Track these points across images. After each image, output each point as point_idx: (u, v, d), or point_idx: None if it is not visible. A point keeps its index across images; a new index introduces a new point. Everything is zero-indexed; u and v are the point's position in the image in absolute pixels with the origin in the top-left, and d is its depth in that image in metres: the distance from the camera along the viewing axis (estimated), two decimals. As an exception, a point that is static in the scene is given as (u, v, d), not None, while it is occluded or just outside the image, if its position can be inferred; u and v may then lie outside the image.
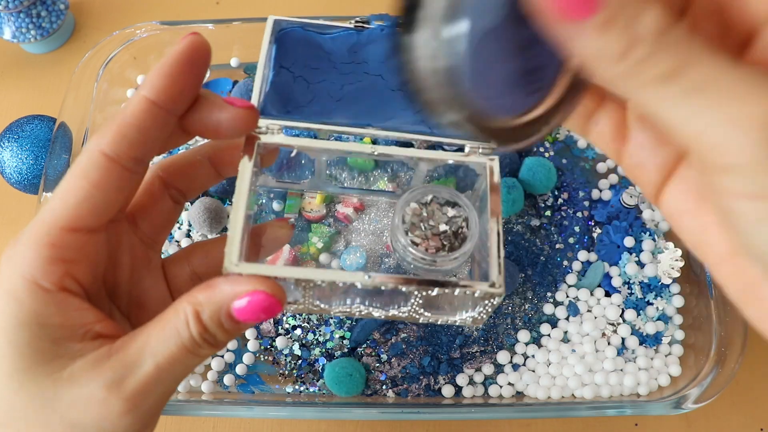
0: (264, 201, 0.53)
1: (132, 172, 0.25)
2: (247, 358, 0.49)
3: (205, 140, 0.30)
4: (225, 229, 0.52)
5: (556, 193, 0.53)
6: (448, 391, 0.48)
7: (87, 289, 0.25)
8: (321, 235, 0.51)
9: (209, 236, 0.52)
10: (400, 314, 0.29)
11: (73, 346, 0.24)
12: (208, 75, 0.58)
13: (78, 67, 0.55)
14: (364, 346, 0.48)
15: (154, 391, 0.24)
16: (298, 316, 0.49)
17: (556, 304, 0.51)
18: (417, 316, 0.29)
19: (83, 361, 0.24)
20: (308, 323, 0.49)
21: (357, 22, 0.30)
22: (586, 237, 0.52)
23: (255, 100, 0.29)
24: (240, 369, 0.49)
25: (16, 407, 0.23)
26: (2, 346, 0.23)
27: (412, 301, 0.27)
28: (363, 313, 0.28)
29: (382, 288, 0.26)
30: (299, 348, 0.49)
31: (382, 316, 0.29)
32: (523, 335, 0.49)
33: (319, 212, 0.52)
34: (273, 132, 0.28)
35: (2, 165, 0.52)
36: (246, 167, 0.27)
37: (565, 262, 0.52)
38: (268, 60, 0.29)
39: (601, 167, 0.55)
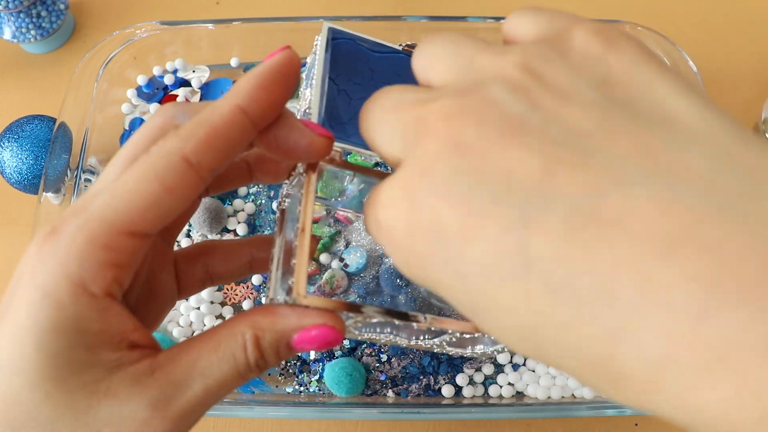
0: (263, 201, 0.53)
1: (204, 182, 0.23)
2: (247, 358, 0.49)
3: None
4: (225, 230, 0.52)
5: (556, 193, 0.53)
6: (448, 391, 0.48)
7: (123, 293, 0.24)
8: (321, 235, 0.51)
9: (209, 236, 0.52)
10: (425, 345, 0.28)
11: (109, 356, 0.22)
12: (208, 75, 0.58)
13: (78, 67, 0.55)
14: (364, 346, 0.48)
15: (199, 412, 0.23)
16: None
17: (556, 304, 0.51)
18: (440, 350, 0.28)
19: (123, 374, 0.22)
20: (308, 323, 0.49)
21: (406, 46, 0.30)
22: (586, 237, 0.52)
23: (315, 115, 0.27)
24: (240, 369, 0.49)
25: (40, 420, 0.21)
26: (29, 352, 0.21)
27: (445, 337, 0.27)
28: (389, 340, 0.28)
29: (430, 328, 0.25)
30: (299, 348, 0.49)
31: (405, 344, 0.28)
32: (523, 335, 0.49)
33: (319, 213, 0.52)
34: (335, 157, 0.27)
35: (2, 165, 0.52)
36: (311, 189, 0.25)
37: (565, 262, 0.52)
38: (325, 72, 0.27)
39: (601, 167, 0.55)
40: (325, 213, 0.52)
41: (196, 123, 0.23)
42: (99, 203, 0.22)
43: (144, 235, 0.22)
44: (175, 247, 0.49)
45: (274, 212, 0.52)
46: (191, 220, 0.51)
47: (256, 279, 0.51)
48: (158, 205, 0.22)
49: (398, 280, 0.48)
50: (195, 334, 0.50)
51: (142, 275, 0.27)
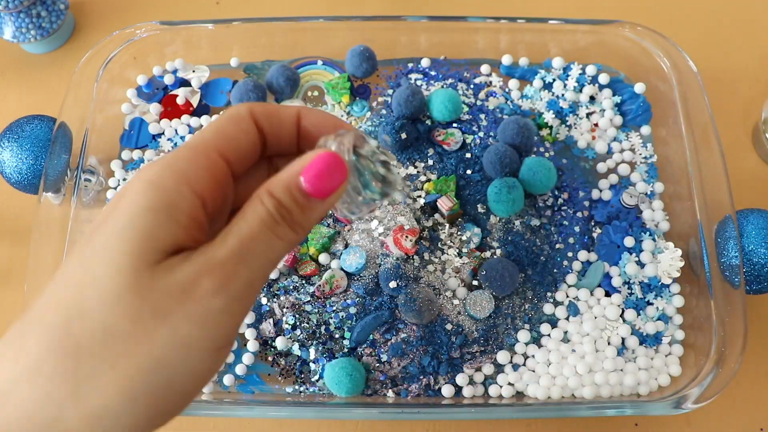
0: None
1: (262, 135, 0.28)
2: (246, 358, 0.49)
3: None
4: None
5: (556, 193, 0.53)
6: (448, 391, 0.48)
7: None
8: (320, 235, 0.51)
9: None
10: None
11: (183, 245, 0.25)
12: (208, 75, 0.58)
13: (78, 67, 0.55)
14: (364, 346, 0.48)
15: (241, 270, 0.25)
16: (297, 316, 0.49)
17: (556, 303, 0.51)
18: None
19: (176, 258, 0.25)
20: (308, 323, 0.49)
21: None
22: (586, 237, 0.52)
23: None
24: (240, 369, 0.49)
25: (111, 300, 0.23)
26: (123, 232, 0.24)
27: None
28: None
29: None
30: (299, 348, 0.49)
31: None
32: (523, 335, 0.49)
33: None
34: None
35: (2, 165, 0.52)
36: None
37: (565, 262, 0.52)
38: None
39: (601, 167, 0.55)
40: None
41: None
42: (195, 136, 0.27)
43: (229, 168, 0.27)
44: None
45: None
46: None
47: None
48: (238, 142, 0.27)
49: (397, 281, 0.48)
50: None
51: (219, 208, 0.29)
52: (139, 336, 0.23)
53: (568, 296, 0.51)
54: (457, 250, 0.51)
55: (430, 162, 0.53)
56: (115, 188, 0.55)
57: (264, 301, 0.50)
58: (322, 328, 0.49)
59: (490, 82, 0.58)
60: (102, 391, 0.22)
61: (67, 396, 0.22)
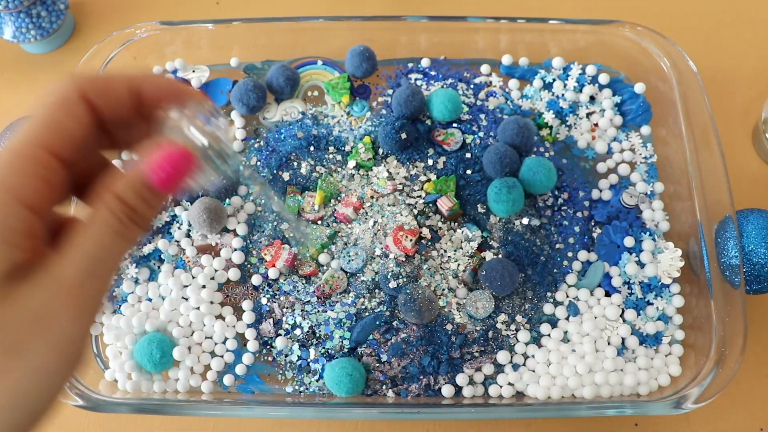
0: (264, 201, 0.53)
1: (98, 116, 0.26)
2: (246, 358, 0.49)
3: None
4: (225, 229, 0.52)
5: (556, 193, 0.53)
6: (448, 391, 0.48)
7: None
8: (320, 235, 0.51)
9: (209, 236, 0.52)
10: None
11: (20, 256, 0.23)
12: (207, 75, 0.58)
13: (78, 67, 0.55)
14: (364, 346, 0.48)
15: (93, 286, 0.24)
16: (298, 316, 0.49)
17: (556, 304, 0.51)
18: None
19: (21, 282, 0.23)
20: (308, 323, 0.49)
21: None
22: (586, 237, 0.52)
23: None
24: (239, 369, 0.49)
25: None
26: None
27: None
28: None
29: None
30: (299, 348, 0.49)
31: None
32: (523, 335, 0.49)
33: (318, 212, 0.52)
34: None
35: (2, 165, 0.52)
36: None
37: (565, 262, 0.52)
38: None
39: (601, 167, 0.55)
40: (324, 213, 0.52)
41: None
42: (18, 134, 0.24)
43: (62, 157, 0.24)
44: (175, 249, 0.49)
45: (273, 211, 0.52)
46: (191, 220, 0.51)
47: (255, 279, 0.51)
48: (68, 130, 0.24)
49: (397, 281, 0.48)
50: (194, 335, 0.50)
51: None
52: None
53: (568, 296, 0.51)
54: (457, 250, 0.51)
55: (430, 162, 0.53)
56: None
57: (264, 301, 0.50)
58: (322, 328, 0.49)
59: (490, 82, 0.58)
60: None
61: None
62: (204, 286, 0.51)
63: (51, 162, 0.24)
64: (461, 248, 0.51)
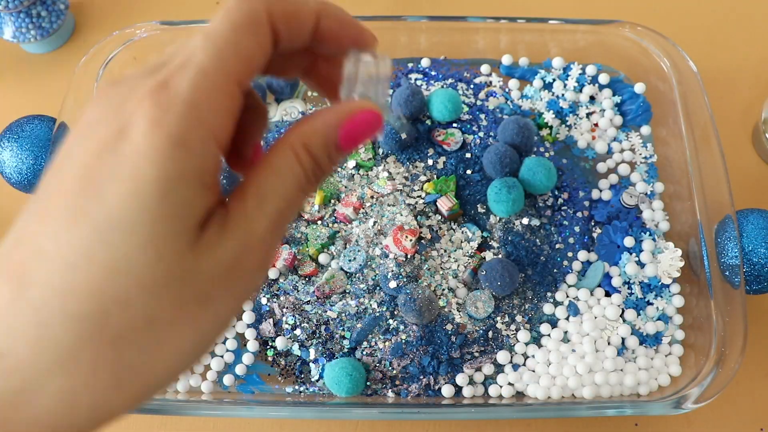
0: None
1: (277, 46, 0.24)
2: (246, 358, 0.49)
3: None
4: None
5: (556, 193, 0.53)
6: (448, 391, 0.48)
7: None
8: (320, 235, 0.51)
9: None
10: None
11: (207, 207, 0.22)
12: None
13: (78, 67, 0.55)
14: (364, 346, 0.48)
15: (276, 241, 0.24)
16: (297, 316, 0.49)
17: (556, 304, 0.51)
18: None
19: (210, 228, 0.22)
20: (308, 323, 0.49)
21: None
22: (586, 237, 0.52)
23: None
24: (239, 369, 0.49)
25: (147, 286, 0.21)
26: (152, 205, 0.20)
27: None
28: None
29: None
30: (299, 348, 0.49)
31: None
32: (523, 335, 0.49)
33: (318, 212, 0.52)
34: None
35: (2, 165, 0.52)
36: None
37: (565, 262, 0.52)
38: None
39: (601, 167, 0.55)
40: (324, 213, 0.52)
41: None
42: (206, 55, 0.21)
43: (243, 88, 0.23)
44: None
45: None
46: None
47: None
48: (256, 59, 0.22)
49: (397, 281, 0.48)
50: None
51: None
52: (184, 322, 0.21)
53: (568, 296, 0.51)
54: (457, 250, 0.51)
55: (430, 162, 0.53)
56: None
57: (264, 301, 0.50)
58: (322, 328, 0.49)
59: (490, 82, 0.58)
60: (144, 377, 0.21)
61: (110, 385, 0.21)
62: (204, 286, 0.51)
63: (239, 96, 0.22)
64: (461, 248, 0.51)
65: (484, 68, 0.59)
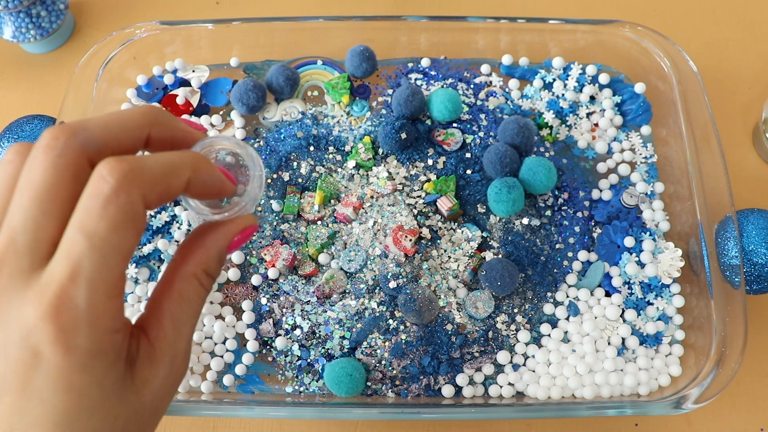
0: (263, 201, 0.53)
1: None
2: (246, 358, 0.49)
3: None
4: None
5: (556, 193, 0.53)
6: (448, 391, 0.48)
7: None
8: (320, 235, 0.51)
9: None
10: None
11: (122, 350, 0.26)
12: (207, 74, 0.58)
13: (78, 67, 0.55)
14: (364, 346, 0.48)
15: (191, 344, 0.29)
16: (298, 316, 0.49)
17: (556, 304, 0.51)
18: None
19: (141, 363, 0.27)
20: (308, 323, 0.49)
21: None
22: (586, 237, 0.52)
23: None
24: (239, 369, 0.49)
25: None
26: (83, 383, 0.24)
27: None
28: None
29: None
30: (299, 348, 0.49)
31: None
32: (523, 335, 0.49)
33: (318, 212, 0.52)
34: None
35: (2, 165, 0.52)
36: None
37: (565, 262, 0.52)
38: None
39: (602, 167, 0.55)
40: (323, 213, 0.52)
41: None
42: (93, 266, 0.23)
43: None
44: (174, 248, 0.49)
45: (273, 211, 0.52)
46: (189, 219, 0.51)
47: (255, 279, 0.51)
48: (135, 245, 0.25)
49: (397, 281, 0.48)
50: (193, 335, 0.50)
51: None
52: None
53: (568, 296, 0.51)
54: (457, 250, 0.51)
55: (430, 162, 0.53)
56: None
57: (264, 301, 0.50)
58: (322, 328, 0.49)
59: (490, 82, 0.58)
60: None
61: None
62: (204, 286, 0.51)
63: (125, 270, 0.26)
64: (461, 248, 0.51)
65: (484, 68, 0.59)
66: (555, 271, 0.51)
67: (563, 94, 0.57)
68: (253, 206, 0.31)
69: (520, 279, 0.50)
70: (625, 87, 0.58)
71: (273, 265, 0.50)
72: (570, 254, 0.52)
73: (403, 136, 0.52)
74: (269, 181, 0.54)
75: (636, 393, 0.48)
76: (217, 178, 0.29)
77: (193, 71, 0.59)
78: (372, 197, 0.52)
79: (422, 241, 0.51)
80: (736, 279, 0.47)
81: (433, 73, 0.58)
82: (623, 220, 0.52)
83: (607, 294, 0.51)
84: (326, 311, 0.49)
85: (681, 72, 0.55)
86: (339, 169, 0.54)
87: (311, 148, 0.54)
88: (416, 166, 0.53)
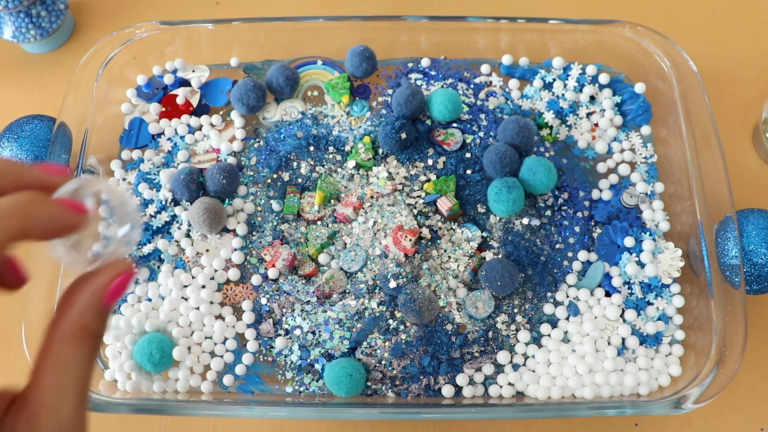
0: (263, 201, 0.53)
1: None
2: (246, 358, 0.49)
3: None
4: (225, 229, 0.52)
5: (556, 193, 0.53)
6: (448, 391, 0.48)
7: None
8: (320, 235, 0.51)
9: (208, 236, 0.52)
10: None
11: None
12: (207, 74, 0.58)
13: (78, 67, 0.55)
14: (364, 346, 0.48)
15: (84, 407, 0.26)
16: (298, 316, 0.49)
17: (556, 304, 0.51)
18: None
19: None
20: (308, 323, 0.49)
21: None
22: (586, 237, 0.52)
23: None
24: (239, 369, 0.49)
25: None
26: None
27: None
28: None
29: None
30: (299, 348, 0.49)
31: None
32: (523, 335, 0.49)
33: (318, 212, 0.52)
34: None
35: (2, 165, 0.52)
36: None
37: (565, 262, 0.52)
38: None
39: (602, 167, 0.55)
40: (324, 213, 0.52)
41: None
42: None
43: None
44: (175, 249, 0.49)
45: (273, 211, 0.52)
46: (191, 220, 0.51)
47: (255, 279, 0.51)
48: None
49: (397, 281, 0.48)
50: (194, 335, 0.50)
51: None
52: None
53: (568, 296, 0.51)
54: (457, 250, 0.51)
55: (430, 162, 0.53)
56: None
57: (264, 301, 0.50)
58: (322, 328, 0.49)
59: (490, 82, 0.58)
60: None
61: None
62: (204, 286, 0.51)
63: None
64: (461, 248, 0.51)
65: (484, 68, 0.59)
66: (555, 271, 0.51)
67: (563, 94, 0.57)
68: (128, 249, 0.29)
69: (520, 279, 0.50)
70: (625, 87, 0.58)
71: (273, 265, 0.50)
72: (570, 254, 0.52)
73: (403, 136, 0.52)
74: (269, 181, 0.54)
75: (636, 393, 0.48)
76: (57, 214, 0.26)
77: (193, 71, 0.59)
78: (372, 197, 0.52)
79: (422, 241, 0.51)
80: (736, 279, 0.47)
81: (433, 73, 0.58)
82: (623, 220, 0.52)
83: (607, 294, 0.51)
84: (326, 311, 0.49)
85: (681, 72, 0.55)
86: (339, 169, 0.54)
87: (311, 148, 0.54)
88: (416, 166, 0.53)
